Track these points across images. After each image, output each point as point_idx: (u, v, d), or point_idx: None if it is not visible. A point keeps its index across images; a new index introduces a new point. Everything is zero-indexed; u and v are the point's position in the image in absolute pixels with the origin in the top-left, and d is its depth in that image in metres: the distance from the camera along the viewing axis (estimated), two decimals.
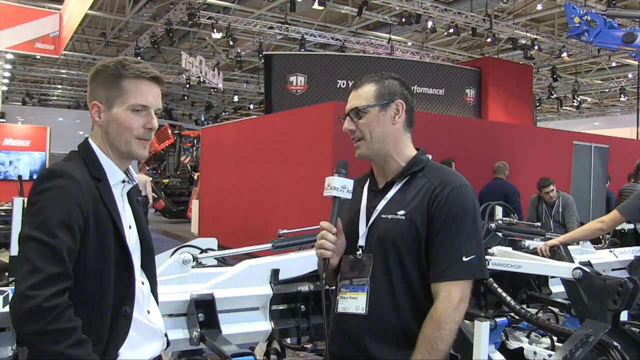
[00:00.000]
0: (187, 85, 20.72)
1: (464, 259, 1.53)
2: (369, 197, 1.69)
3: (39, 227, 1.33)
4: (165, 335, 1.66)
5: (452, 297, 1.51)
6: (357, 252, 1.63)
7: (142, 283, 1.58)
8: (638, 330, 2.36)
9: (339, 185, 1.57)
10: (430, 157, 1.73)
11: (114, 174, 1.54)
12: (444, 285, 1.52)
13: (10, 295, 1.86)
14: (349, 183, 1.59)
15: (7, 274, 4.77)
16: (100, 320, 1.42)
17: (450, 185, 1.58)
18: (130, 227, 1.55)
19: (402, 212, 1.59)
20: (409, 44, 17.52)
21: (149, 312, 1.59)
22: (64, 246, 1.33)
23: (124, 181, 1.57)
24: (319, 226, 1.64)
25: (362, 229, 1.64)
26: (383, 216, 1.61)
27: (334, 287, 1.73)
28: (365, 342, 1.57)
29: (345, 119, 1.70)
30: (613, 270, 3.54)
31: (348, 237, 1.67)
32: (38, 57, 17.82)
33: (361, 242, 1.63)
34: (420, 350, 1.50)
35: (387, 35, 15.62)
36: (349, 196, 1.59)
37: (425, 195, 1.59)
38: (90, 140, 1.56)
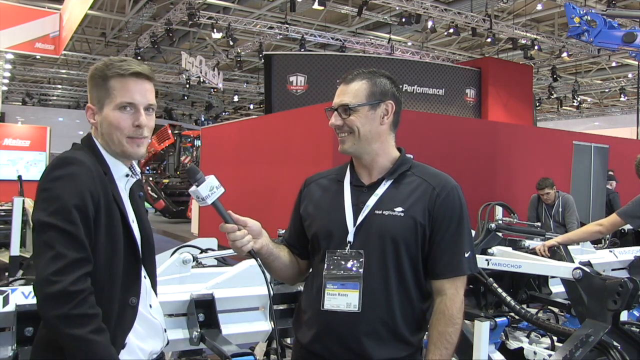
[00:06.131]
0: (187, 85, 20.72)
1: (466, 255, 1.61)
2: (353, 192, 1.67)
3: (56, 214, 1.35)
4: (165, 331, 1.67)
5: (459, 292, 1.60)
6: (346, 248, 1.61)
7: (145, 277, 1.59)
8: (638, 330, 2.36)
9: (207, 192, 1.51)
10: (412, 156, 1.76)
11: (117, 168, 1.55)
12: (451, 282, 1.60)
13: (10, 295, 1.87)
14: (212, 181, 1.52)
15: (7, 274, 4.78)
16: (107, 309, 1.43)
17: (447, 187, 1.63)
18: (132, 222, 1.56)
19: (399, 208, 1.60)
20: (409, 44, 17.50)
21: (150, 306, 1.60)
22: (82, 232, 1.36)
23: (127, 175, 1.58)
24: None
25: (351, 225, 1.62)
26: (377, 212, 1.61)
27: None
28: (360, 340, 1.56)
29: (333, 113, 1.68)
30: (613, 270, 3.53)
31: (330, 232, 1.65)
32: (38, 57, 17.80)
33: (350, 237, 1.61)
34: (438, 347, 1.56)
35: (387, 35, 15.61)
36: (223, 189, 1.54)
37: (424, 195, 1.61)
38: (92, 136, 1.57)
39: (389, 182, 1.65)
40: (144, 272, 1.59)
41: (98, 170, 1.46)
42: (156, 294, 1.67)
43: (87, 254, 1.36)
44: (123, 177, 1.57)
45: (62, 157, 1.45)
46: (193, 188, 1.52)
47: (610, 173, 8.10)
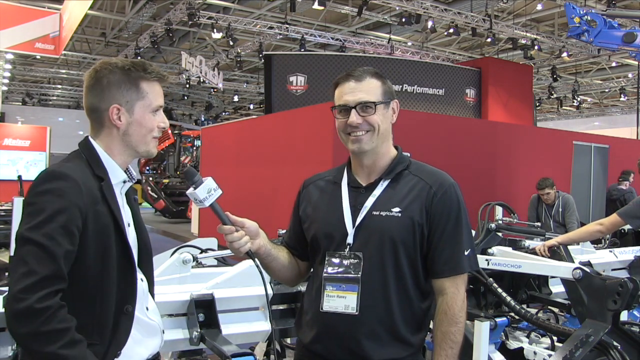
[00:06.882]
0: (187, 85, 20.72)
1: (465, 253, 1.60)
2: (351, 194, 1.67)
3: (36, 229, 1.32)
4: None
5: (460, 290, 1.60)
6: (345, 250, 1.61)
7: (141, 280, 1.59)
8: (638, 330, 2.36)
9: (205, 194, 1.51)
10: (409, 154, 1.76)
11: (116, 174, 1.55)
12: (451, 280, 1.59)
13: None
14: (210, 183, 1.52)
15: (7, 274, 4.79)
16: (102, 319, 1.42)
17: (444, 185, 1.63)
18: (129, 225, 1.56)
19: (397, 209, 1.59)
20: (409, 44, 17.50)
21: (147, 308, 1.60)
22: (61, 249, 1.33)
23: (124, 181, 1.58)
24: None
25: (350, 227, 1.62)
26: (375, 213, 1.60)
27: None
28: (359, 341, 1.56)
29: (350, 112, 1.62)
30: (613, 270, 3.53)
31: (329, 234, 1.64)
32: (38, 57, 17.81)
33: (349, 240, 1.61)
34: (443, 347, 1.57)
35: (387, 35, 15.61)
36: (220, 191, 1.54)
37: (421, 193, 1.61)
38: (91, 140, 1.56)
39: (386, 182, 1.65)
40: (140, 275, 1.59)
41: (88, 182, 1.43)
42: (153, 295, 1.67)
43: (59, 271, 1.31)
44: (120, 183, 1.57)
45: (50, 170, 1.43)
46: (190, 190, 1.51)
47: (632, 176, 8.05)
